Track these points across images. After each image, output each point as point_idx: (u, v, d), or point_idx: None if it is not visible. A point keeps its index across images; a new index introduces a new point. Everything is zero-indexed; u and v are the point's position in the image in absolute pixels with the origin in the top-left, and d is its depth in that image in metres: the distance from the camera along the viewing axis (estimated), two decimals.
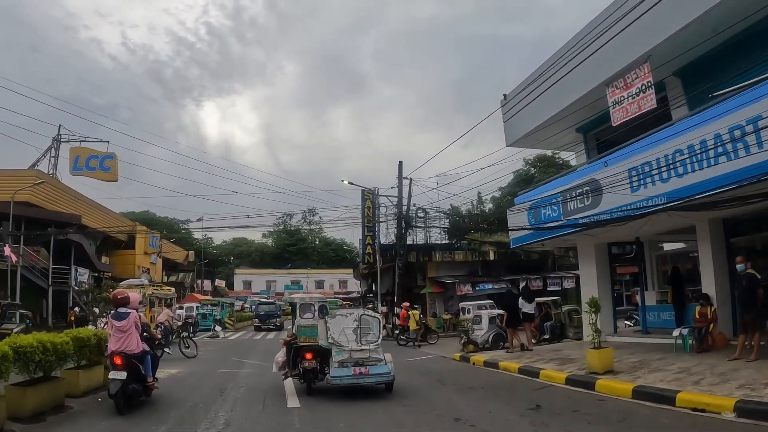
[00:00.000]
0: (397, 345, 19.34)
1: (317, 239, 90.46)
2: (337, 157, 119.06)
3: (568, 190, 13.19)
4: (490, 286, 26.26)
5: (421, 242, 28.88)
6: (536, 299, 16.72)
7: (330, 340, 8.42)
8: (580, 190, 12.66)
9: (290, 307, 11.68)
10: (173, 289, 20.22)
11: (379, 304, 26.06)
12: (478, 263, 27.86)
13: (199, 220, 57.05)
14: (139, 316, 7.51)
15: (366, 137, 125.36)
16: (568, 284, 27.25)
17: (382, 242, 26.97)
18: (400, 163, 25.99)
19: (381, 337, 8.70)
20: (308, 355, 8.50)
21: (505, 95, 17.53)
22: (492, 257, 28.01)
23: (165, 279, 55.09)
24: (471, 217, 39.47)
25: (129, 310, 7.22)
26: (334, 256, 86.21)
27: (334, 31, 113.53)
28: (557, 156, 40.11)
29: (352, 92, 69.56)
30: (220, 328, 23.66)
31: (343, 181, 28.27)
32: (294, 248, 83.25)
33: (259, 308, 29.24)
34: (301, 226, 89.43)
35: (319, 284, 76.96)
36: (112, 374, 6.72)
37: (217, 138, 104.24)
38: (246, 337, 25.80)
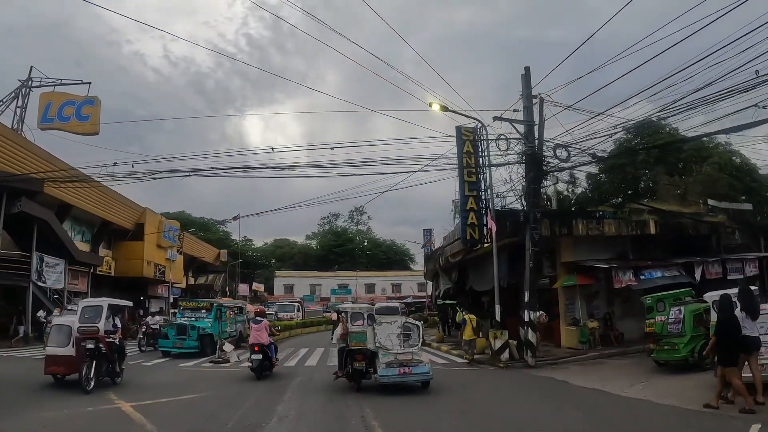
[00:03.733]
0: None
1: (366, 240, 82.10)
2: (384, 161, 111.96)
3: None
4: (660, 274, 16.57)
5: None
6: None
7: (377, 344, 9.78)
8: None
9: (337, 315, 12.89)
10: None
11: (497, 307, 15.53)
12: (628, 240, 17.84)
13: (235, 219, 48.62)
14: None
15: (410, 143, 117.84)
16: (751, 270, 17.96)
17: (485, 206, 16.51)
18: (527, 69, 15.61)
19: (421, 342, 10.33)
20: (359, 357, 9.78)
21: None
22: (653, 230, 17.80)
23: (192, 281, 47.00)
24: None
25: (262, 319, 12.34)
26: (384, 258, 78.16)
27: (375, 39, 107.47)
28: (665, 120, 30.93)
29: (394, 99, 64.36)
30: (232, 347, 14.01)
31: (430, 104, 16.61)
32: (340, 249, 75.02)
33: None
34: (348, 226, 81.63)
35: (370, 288, 67.75)
36: (254, 356, 11.35)
37: (261, 147, 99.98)
38: None
